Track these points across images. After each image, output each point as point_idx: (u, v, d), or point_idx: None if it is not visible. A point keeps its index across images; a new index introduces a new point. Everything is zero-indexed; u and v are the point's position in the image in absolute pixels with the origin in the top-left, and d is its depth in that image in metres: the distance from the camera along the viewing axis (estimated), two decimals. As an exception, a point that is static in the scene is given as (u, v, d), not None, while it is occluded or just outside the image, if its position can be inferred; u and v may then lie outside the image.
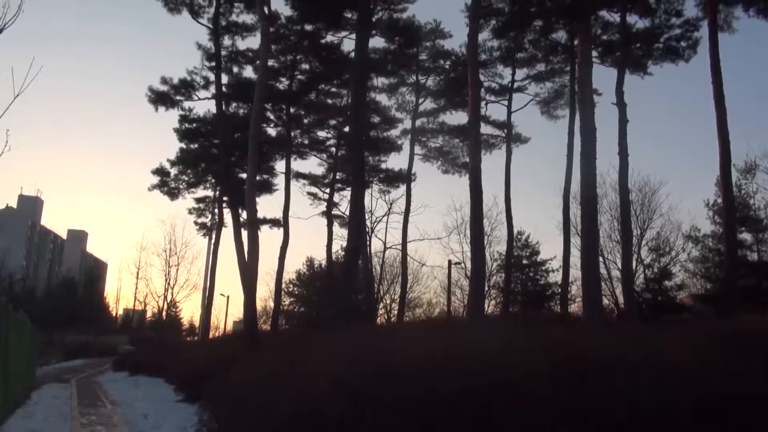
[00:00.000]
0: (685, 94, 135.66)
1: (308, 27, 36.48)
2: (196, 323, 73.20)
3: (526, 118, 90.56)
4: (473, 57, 26.25)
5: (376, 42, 37.25)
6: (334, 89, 40.46)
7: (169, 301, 70.35)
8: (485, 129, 37.67)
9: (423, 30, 37.74)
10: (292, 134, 40.85)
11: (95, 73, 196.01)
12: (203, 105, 39.06)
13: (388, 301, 52.08)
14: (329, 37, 37.08)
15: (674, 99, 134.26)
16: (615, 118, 27.58)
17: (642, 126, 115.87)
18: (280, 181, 41.34)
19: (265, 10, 29.86)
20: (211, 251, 44.61)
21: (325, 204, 42.49)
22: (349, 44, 36.85)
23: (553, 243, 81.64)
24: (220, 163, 35.52)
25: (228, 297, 61.61)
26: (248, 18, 35.20)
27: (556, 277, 45.77)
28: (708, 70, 24.95)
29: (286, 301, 55.99)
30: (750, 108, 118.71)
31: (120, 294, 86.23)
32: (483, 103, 35.83)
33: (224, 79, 35.53)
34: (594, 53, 27.82)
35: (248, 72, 38.05)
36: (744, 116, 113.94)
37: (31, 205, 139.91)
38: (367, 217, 40.94)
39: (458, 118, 41.65)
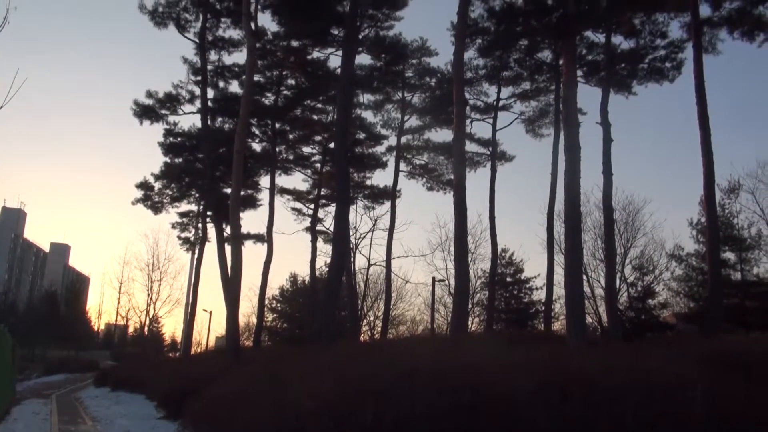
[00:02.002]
0: (670, 114, 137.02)
1: (295, 43, 36.59)
2: (179, 339, 72.63)
3: (511, 136, 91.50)
4: (459, 75, 26.34)
5: (363, 59, 37.48)
6: (319, 105, 40.51)
7: (151, 316, 69.87)
8: (470, 146, 37.83)
9: (409, 47, 37.90)
10: (277, 149, 40.82)
11: (80, 86, 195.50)
12: (188, 119, 39.22)
13: (372, 318, 51.98)
14: (315, 54, 37.26)
15: (658, 118, 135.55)
16: (599, 136, 27.82)
17: (626, 145, 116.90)
18: (264, 196, 41.30)
19: (252, 26, 29.93)
20: (194, 266, 44.34)
21: (310, 220, 42.43)
22: (335, 60, 37.06)
23: (537, 261, 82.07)
24: (205, 177, 35.43)
25: (210, 312, 61.50)
26: (235, 33, 35.29)
27: (540, 295, 45.87)
28: (692, 90, 25.16)
29: (269, 317, 55.71)
30: (734, 128, 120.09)
31: (102, 308, 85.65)
32: (468, 121, 36.01)
33: (210, 93, 35.59)
34: (579, 73, 27.99)
35: (234, 87, 38.11)
36: (728, 136, 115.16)
37: (14, 218, 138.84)
38: (351, 233, 40.88)
39: (443, 135, 41.89)
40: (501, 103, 37.81)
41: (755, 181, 39.61)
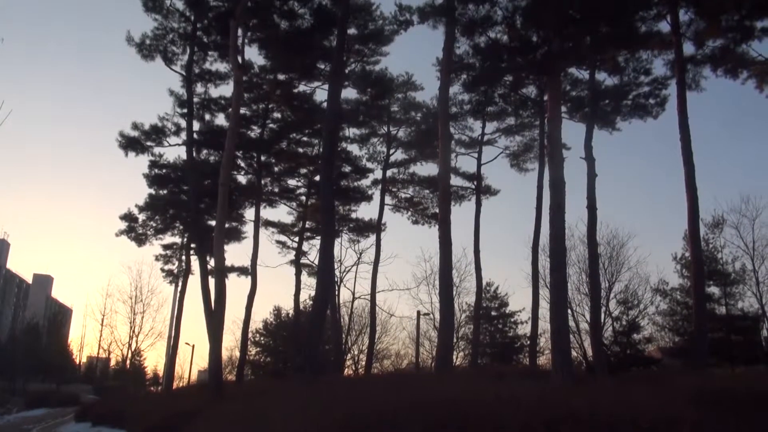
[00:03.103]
0: (653, 149, 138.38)
1: (281, 76, 36.80)
2: (161, 372, 71.73)
3: (496, 171, 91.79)
4: (444, 110, 26.53)
5: (349, 93, 37.73)
6: (305, 138, 40.59)
7: (133, 349, 68.97)
8: (455, 180, 37.92)
9: (395, 82, 38.14)
10: (263, 182, 40.75)
11: (65, 117, 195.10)
12: (174, 151, 39.08)
13: (356, 352, 51.59)
14: (302, 87, 37.49)
15: (642, 153, 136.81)
16: (584, 171, 27.97)
17: (610, 179, 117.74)
18: (249, 228, 41.13)
19: (239, 59, 30.05)
20: (177, 299, 43.91)
21: (294, 253, 42.22)
22: (321, 94, 37.30)
23: (522, 294, 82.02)
24: (189, 209, 35.26)
25: (193, 346, 60.76)
26: (221, 66, 35.34)
27: (525, 329, 45.88)
28: (676, 125, 25.39)
29: (253, 350, 55.23)
30: (718, 162, 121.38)
31: (84, 341, 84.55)
32: (453, 155, 36.13)
33: (196, 125, 35.50)
34: (563, 108, 28.26)
35: (220, 119, 38.14)
36: (711, 171, 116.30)
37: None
38: (336, 266, 40.77)
39: (429, 169, 41.98)
40: (486, 137, 38.06)
41: (739, 215, 39.98)
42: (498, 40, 25.57)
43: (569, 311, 32.73)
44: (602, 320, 35.27)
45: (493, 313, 50.10)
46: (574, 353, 34.44)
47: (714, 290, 40.51)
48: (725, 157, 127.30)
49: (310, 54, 33.03)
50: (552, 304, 20.94)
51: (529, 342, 39.65)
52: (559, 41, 22.99)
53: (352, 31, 33.58)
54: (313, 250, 42.92)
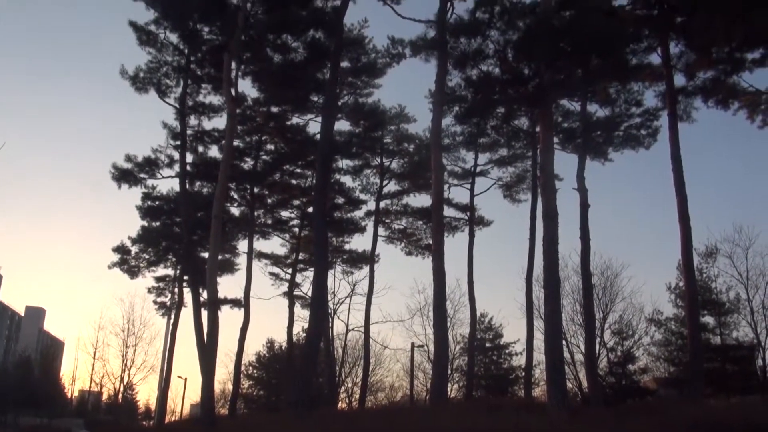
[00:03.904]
0: (646, 179, 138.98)
1: (274, 109, 37.02)
2: (153, 406, 70.96)
3: (489, 202, 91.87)
4: (437, 141, 26.64)
5: (342, 125, 37.85)
6: (298, 170, 40.64)
7: (125, 383, 68.26)
8: (448, 212, 37.89)
9: (388, 114, 38.34)
10: (256, 214, 40.68)
11: (57, 149, 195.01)
12: (167, 183, 39.02)
13: (350, 385, 51.18)
14: (295, 119, 37.74)
15: (635, 183, 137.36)
16: (577, 201, 28.07)
17: (603, 210, 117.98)
18: (241, 260, 40.99)
19: (232, 91, 30.21)
20: (170, 332, 43.53)
21: (287, 284, 42.04)
22: (314, 126, 37.38)
23: (516, 326, 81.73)
24: (182, 241, 35.16)
25: (186, 379, 60.24)
26: (215, 99, 35.46)
27: (519, 361, 45.67)
28: (668, 155, 25.55)
29: (246, 384, 54.80)
30: (710, 191, 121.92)
31: (76, 374, 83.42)
32: (446, 187, 36.21)
33: (189, 157, 35.52)
34: (555, 140, 28.39)
35: (213, 151, 38.13)
36: (704, 200, 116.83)
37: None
38: (329, 298, 40.58)
39: (422, 200, 41.99)
40: (478, 168, 38.15)
41: (732, 245, 39.99)
42: (490, 73, 25.78)
43: (564, 342, 32.66)
44: (597, 351, 35.14)
45: (488, 345, 49.87)
46: (569, 385, 34.31)
47: (708, 320, 40.49)
48: (718, 186, 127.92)
49: (304, 86, 33.23)
50: (547, 336, 20.87)
51: (524, 373, 39.43)
52: (551, 74, 23.22)
53: (345, 64, 33.85)
54: (306, 281, 42.81)
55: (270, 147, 40.24)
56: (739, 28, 23.95)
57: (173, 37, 33.22)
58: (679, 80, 27.85)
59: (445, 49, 25.64)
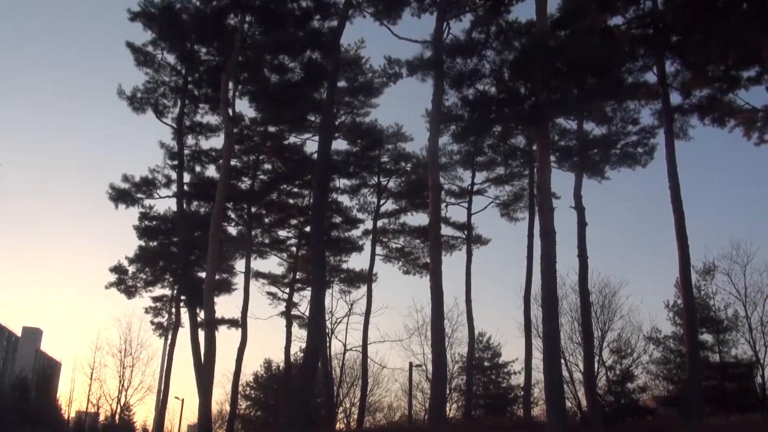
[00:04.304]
0: (643, 196, 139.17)
1: (272, 129, 37.11)
2: (150, 427, 70.43)
3: (486, 220, 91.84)
4: (434, 160, 26.69)
5: (339, 144, 37.92)
6: (296, 189, 40.60)
7: (122, 404, 67.79)
8: (446, 230, 37.85)
9: (385, 133, 38.33)
10: (253, 233, 40.64)
11: (54, 168, 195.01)
12: (164, 203, 39.03)
13: (348, 405, 51.00)
14: (292, 139, 37.80)
15: (632, 201, 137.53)
16: (574, 220, 28.08)
17: (601, 228, 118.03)
18: (239, 280, 40.77)
19: (230, 111, 30.39)
20: (167, 352, 43.33)
21: (285, 304, 41.91)
22: (312, 145, 37.46)
23: (514, 344, 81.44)
24: (179, 261, 35.10)
25: (183, 400, 59.85)
26: (212, 119, 35.57)
27: (518, 380, 45.56)
28: (665, 173, 25.60)
29: (243, 404, 54.60)
30: (707, 208, 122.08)
31: (73, 395, 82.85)
32: (443, 205, 36.11)
33: (186, 177, 35.57)
34: (552, 158, 28.41)
35: (211, 171, 38.13)
36: (701, 216, 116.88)
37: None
38: (327, 318, 40.50)
39: (419, 219, 41.96)
40: (476, 187, 38.15)
41: (730, 262, 40.04)
42: (486, 92, 25.86)
43: (562, 361, 32.57)
44: (596, 370, 35.05)
45: (486, 364, 49.77)
46: (568, 404, 34.24)
47: (707, 337, 40.47)
48: (715, 203, 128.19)
49: (301, 106, 33.30)
50: (545, 355, 20.83)
51: (522, 393, 39.32)
52: (547, 93, 23.32)
53: (342, 83, 33.98)
54: (303, 301, 42.59)
55: (267, 166, 40.26)
56: (734, 47, 24.11)
57: (171, 58, 33.46)
58: (675, 98, 27.95)
59: (442, 69, 25.75)
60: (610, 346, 40.22)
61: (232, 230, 40.99)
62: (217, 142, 38.07)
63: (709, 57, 25.16)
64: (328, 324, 42.26)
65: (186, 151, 35.37)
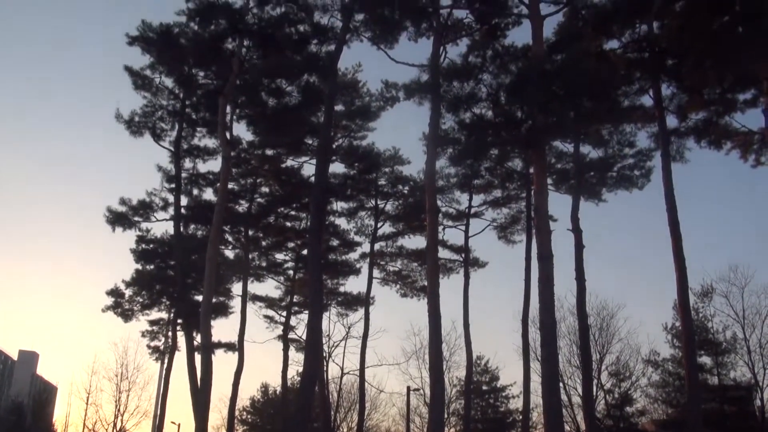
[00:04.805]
0: (641, 218, 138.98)
1: (269, 152, 37.28)
2: (146, 452, 69.78)
3: (484, 243, 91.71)
4: (431, 183, 26.70)
5: (336, 167, 38.01)
6: (293, 212, 40.69)
7: (119, 428, 67.20)
8: (443, 253, 37.87)
9: (382, 156, 38.51)
10: (250, 256, 40.60)
11: (50, 192, 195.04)
12: (161, 226, 39.03)
13: (345, 430, 50.67)
14: (290, 162, 37.98)
15: (629, 223, 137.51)
16: (571, 242, 28.07)
17: (598, 250, 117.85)
18: (236, 303, 40.65)
19: (227, 135, 30.43)
20: (163, 376, 43.07)
21: (282, 327, 41.76)
22: (309, 168, 37.57)
23: (512, 368, 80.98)
24: (176, 285, 35.00)
25: (179, 425, 59.15)
26: (210, 142, 35.63)
27: (516, 404, 45.36)
28: (662, 195, 25.65)
29: (240, 429, 54.32)
30: (705, 231, 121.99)
31: (69, 420, 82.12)
32: (441, 228, 36.19)
33: (183, 200, 35.55)
34: (549, 181, 28.51)
35: (208, 194, 38.11)
36: (699, 239, 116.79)
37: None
38: (324, 341, 40.32)
39: (417, 242, 42.05)
40: (473, 210, 38.22)
41: (728, 284, 40.04)
42: (483, 116, 25.99)
43: (561, 385, 32.41)
44: (594, 393, 34.92)
45: (485, 388, 49.57)
46: (567, 428, 34.06)
47: (706, 360, 40.36)
48: (713, 225, 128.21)
49: (298, 130, 33.44)
50: (544, 378, 20.76)
51: (521, 417, 39.09)
52: (543, 116, 23.42)
53: (339, 107, 34.19)
54: (301, 324, 42.45)
55: (265, 189, 40.37)
56: (730, 70, 24.26)
57: (169, 82, 33.51)
58: (672, 121, 28.06)
59: (439, 93, 25.83)
60: (609, 370, 40.15)
61: (230, 253, 41.00)
62: (214, 165, 38.14)
63: (705, 80, 25.29)
64: (325, 347, 42.14)
65: (183, 175, 35.36)
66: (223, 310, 41.40)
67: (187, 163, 36.31)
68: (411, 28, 28.45)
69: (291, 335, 41.82)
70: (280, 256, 43.05)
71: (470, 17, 29.08)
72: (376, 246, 41.40)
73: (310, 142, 35.19)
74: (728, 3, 23.02)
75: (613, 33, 27.08)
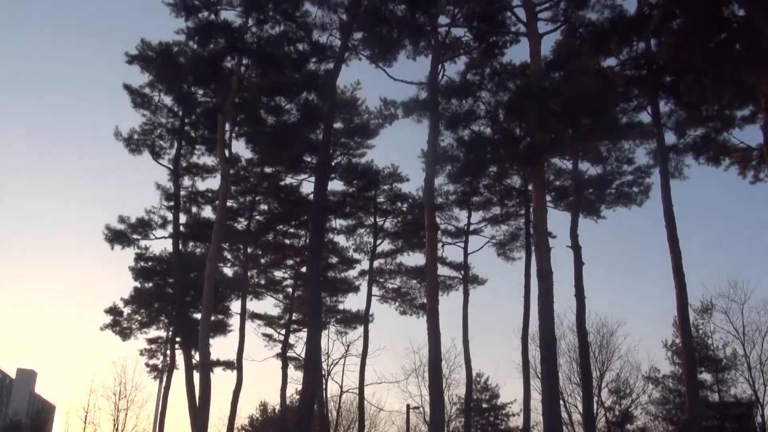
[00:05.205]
0: (640, 234, 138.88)
1: (268, 169, 37.27)
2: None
3: (483, 260, 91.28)
4: (430, 200, 26.71)
5: (335, 184, 38.01)
6: (292, 230, 40.63)
7: (117, 448, 66.74)
8: (442, 270, 37.83)
9: (381, 174, 38.54)
10: (249, 274, 40.52)
11: (49, 210, 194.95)
12: (160, 244, 38.95)
13: (345, 449, 50.27)
14: (289, 179, 37.93)
15: (629, 239, 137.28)
16: (571, 259, 28.06)
17: (598, 267, 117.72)
18: (234, 321, 40.46)
19: (226, 153, 30.43)
20: (161, 395, 42.82)
21: (281, 346, 41.58)
22: (308, 186, 37.55)
23: (512, 385, 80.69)
24: (175, 302, 34.90)
25: (177, 443, 58.90)
26: (209, 160, 35.68)
27: (517, 421, 45.10)
28: (662, 212, 25.64)
29: (239, 447, 53.74)
30: (704, 247, 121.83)
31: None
32: (440, 245, 36.14)
33: (182, 218, 35.54)
34: (548, 198, 28.52)
35: (207, 212, 38.08)
36: (698, 255, 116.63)
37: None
38: (323, 359, 40.14)
39: (416, 259, 41.93)
40: (472, 227, 38.18)
41: (728, 300, 39.98)
42: (481, 133, 26.06)
43: (561, 402, 32.26)
44: (595, 411, 34.76)
45: (485, 406, 49.32)
46: (567, 446, 33.78)
47: (706, 377, 40.22)
48: (712, 241, 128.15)
49: (297, 147, 33.47)
50: (544, 398, 20.67)
51: (521, 435, 38.89)
52: (542, 133, 23.44)
53: (338, 125, 34.21)
54: (299, 342, 42.23)
55: (263, 207, 40.34)
56: (728, 87, 24.31)
57: (168, 100, 33.64)
58: (670, 138, 28.11)
59: (437, 110, 25.89)
60: (609, 387, 40.03)
61: (228, 271, 40.88)
62: (213, 182, 38.28)
63: (703, 97, 25.35)
64: (324, 365, 41.91)
65: (182, 192, 35.41)
66: (221, 328, 41.22)
67: (186, 181, 36.38)
68: (409, 46, 28.62)
69: (290, 353, 41.67)
70: (279, 274, 42.99)
71: (468, 35, 29.33)
72: (375, 263, 41.34)
73: (309, 159, 35.19)
74: (726, 20, 23.11)
75: (611, 51, 27.17)
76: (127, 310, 40.61)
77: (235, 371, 37.66)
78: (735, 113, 26.98)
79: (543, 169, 24.93)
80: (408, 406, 43.38)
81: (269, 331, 43.16)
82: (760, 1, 20.34)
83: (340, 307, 43.40)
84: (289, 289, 42.73)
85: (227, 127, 30.79)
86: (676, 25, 24.59)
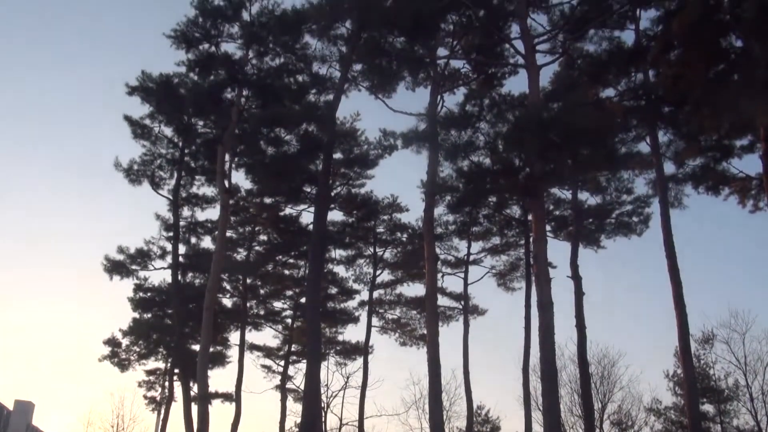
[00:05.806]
0: (640, 264, 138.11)
1: (268, 200, 37.27)
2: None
3: (483, 290, 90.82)
4: (429, 231, 26.72)
5: (335, 215, 37.99)
6: (291, 260, 40.56)
7: (114, 484, 65.89)
8: (442, 301, 37.68)
9: (380, 204, 38.56)
10: (248, 305, 40.35)
11: (47, 241, 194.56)
12: (159, 274, 38.85)
13: (344, 484, 49.55)
14: (288, 210, 37.86)
15: (629, 269, 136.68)
16: (571, 289, 27.96)
17: (598, 297, 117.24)
18: (233, 353, 40.23)
19: (226, 183, 30.46)
20: (160, 427, 42.38)
21: (280, 377, 41.25)
22: (307, 216, 37.52)
23: (514, 417, 79.73)
24: (173, 334, 34.73)
25: (175, 477, 58.24)
26: (208, 190, 35.75)
27: (518, 455, 44.43)
28: (662, 241, 25.62)
29: (237, 481, 53.01)
30: (705, 276, 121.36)
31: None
32: (440, 276, 36.11)
33: (181, 249, 35.50)
34: (548, 228, 28.52)
35: (206, 242, 38.08)
36: (699, 285, 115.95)
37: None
38: (322, 391, 39.75)
39: (415, 289, 41.81)
40: (472, 257, 38.12)
41: (729, 330, 39.68)
42: (481, 164, 26.11)
43: (563, 435, 31.97)
44: (597, 443, 34.39)
45: (486, 438, 48.71)
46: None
47: (708, 408, 39.86)
48: (712, 270, 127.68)
49: (296, 178, 33.51)
50: (546, 430, 20.46)
51: (523, 468, 38.39)
52: (541, 164, 23.48)
53: (337, 155, 34.22)
54: (299, 374, 41.81)
55: (263, 237, 40.34)
56: (727, 117, 24.42)
57: (168, 131, 33.78)
58: (669, 168, 28.23)
59: (436, 141, 26.00)
60: (611, 419, 39.59)
61: (227, 302, 40.70)
62: (212, 213, 38.19)
63: (702, 127, 25.47)
64: (323, 397, 41.47)
65: (182, 223, 35.43)
66: (220, 360, 40.94)
67: (186, 212, 36.45)
68: (408, 77, 28.79)
69: (289, 385, 41.31)
70: (278, 305, 42.76)
71: (467, 67, 29.61)
72: (375, 294, 41.17)
73: (308, 190, 35.19)
74: (724, 51, 23.29)
75: (609, 82, 27.40)
76: (125, 342, 40.34)
77: (233, 403, 37.36)
78: (734, 143, 27.15)
79: (542, 199, 24.98)
80: (408, 439, 42.97)
81: (268, 362, 42.85)
82: (758, 32, 20.51)
83: (340, 338, 43.14)
84: (289, 320, 42.49)
85: (227, 157, 30.86)
86: (674, 56, 24.81)
